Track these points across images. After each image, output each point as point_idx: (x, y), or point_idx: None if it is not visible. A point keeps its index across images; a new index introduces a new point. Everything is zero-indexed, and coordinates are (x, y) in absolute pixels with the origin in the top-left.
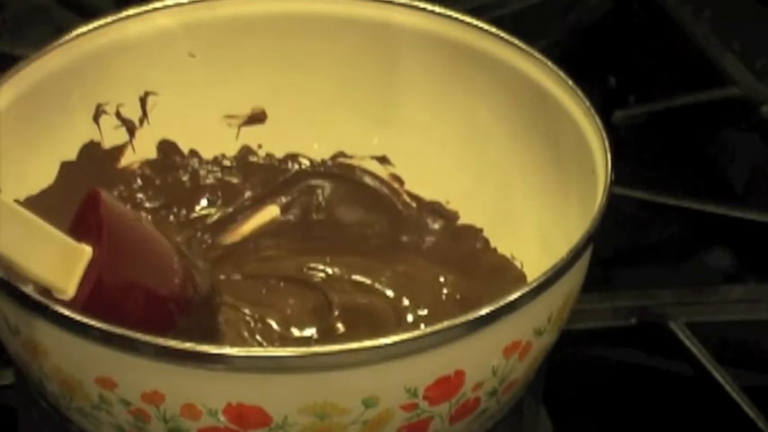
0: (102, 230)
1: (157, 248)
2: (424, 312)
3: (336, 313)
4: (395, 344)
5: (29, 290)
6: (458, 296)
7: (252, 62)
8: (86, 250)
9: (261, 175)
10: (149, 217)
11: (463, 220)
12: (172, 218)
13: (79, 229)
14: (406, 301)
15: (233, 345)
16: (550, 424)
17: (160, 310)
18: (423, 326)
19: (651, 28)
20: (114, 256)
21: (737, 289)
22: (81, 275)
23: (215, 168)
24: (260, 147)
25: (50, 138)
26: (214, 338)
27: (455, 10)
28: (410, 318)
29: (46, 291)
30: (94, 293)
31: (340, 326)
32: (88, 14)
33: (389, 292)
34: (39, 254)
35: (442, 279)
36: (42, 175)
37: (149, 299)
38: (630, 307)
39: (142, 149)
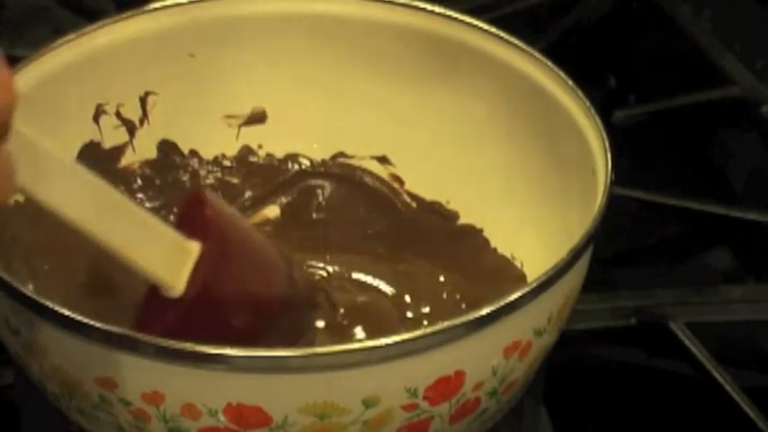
0: (210, 229)
1: (261, 247)
2: (426, 310)
3: (341, 311)
4: (395, 344)
5: (29, 290)
6: (458, 296)
7: (252, 62)
8: (195, 247)
9: (261, 175)
10: None
11: (463, 220)
12: (172, 218)
13: (184, 229)
14: (407, 299)
15: None
16: (550, 424)
17: (266, 307)
18: (425, 322)
19: (651, 28)
20: (222, 255)
21: (737, 289)
22: (190, 273)
23: (215, 168)
24: (260, 147)
25: (51, 138)
26: (309, 337)
27: (455, 10)
28: (410, 314)
29: (154, 288)
30: (204, 291)
31: (344, 322)
32: (88, 14)
33: (390, 291)
34: (149, 249)
35: (442, 279)
36: None
37: (256, 296)
38: (630, 307)
39: (142, 149)
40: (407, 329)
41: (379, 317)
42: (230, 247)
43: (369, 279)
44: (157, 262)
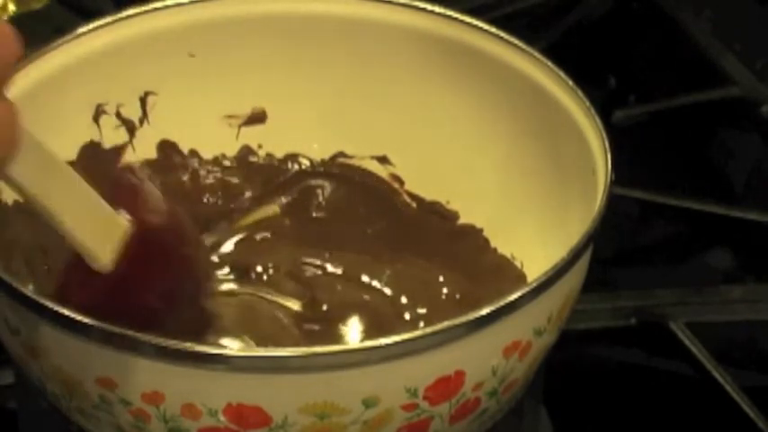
0: (140, 209)
1: (183, 228)
2: (422, 311)
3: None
4: (395, 344)
5: (29, 290)
6: (458, 296)
7: (252, 62)
8: (124, 223)
9: (261, 175)
10: None
11: (463, 220)
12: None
13: (114, 203)
14: (404, 299)
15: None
16: (550, 424)
17: (187, 287)
18: (422, 324)
19: (651, 28)
20: (149, 234)
21: (737, 289)
22: (117, 248)
23: (215, 168)
24: (260, 147)
25: (50, 138)
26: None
27: (455, 10)
28: (407, 316)
29: (78, 258)
30: (129, 266)
31: (338, 322)
32: (88, 14)
33: (388, 290)
34: (83, 218)
35: (441, 279)
36: None
37: (176, 278)
38: (630, 307)
39: (142, 149)
40: (405, 329)
41: (377, 316)
42: (157, 228)
43: (367, 279)
44: (89, 232)
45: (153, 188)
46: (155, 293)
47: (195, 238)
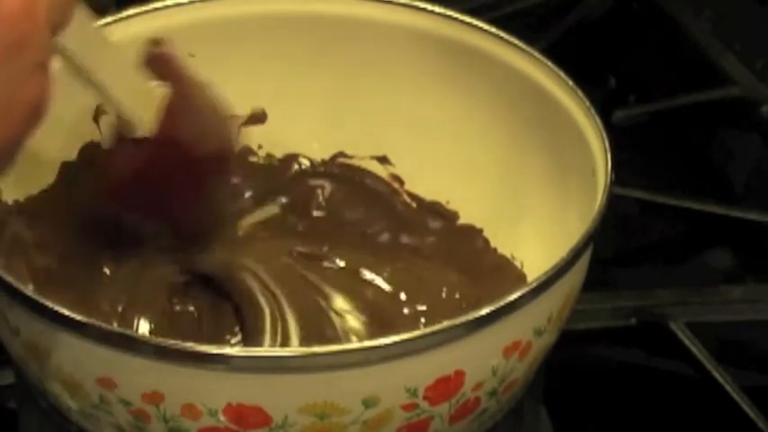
0: (176, 78)
1: (215, 102)
2: (422, 308)
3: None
4: (395, 344)
5: (29, 290)
6: (457, 296)
7: (252, 62)
8: (160, 92)
9: (261, 175)
10: None
11: (463, 220)
12: None
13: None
14: (403, 296)
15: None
16: (550, 424)
17: (217, 162)
18: (423, 320)
19: (651, 28)
20: (185, 102)
21: (737, 289)
22: (156, 114)
23: None
24: (260, 147)
25: (51, 138)
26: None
27: (455, 10)
28: (406, 310)
29: (119, 133)
30: (168, 132)
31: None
32: None
33: (388, 288)
34: (128, 88)
35: (441, 278)
36: (42, 175)
37: (211, 134)
38: (630, 307)
39: None
40: (405, 325)
41: (380, 313)
42: (192, 97)
43: (368, 277)
44: (133, 101)
45: (181, 60)
46: (192, 154)
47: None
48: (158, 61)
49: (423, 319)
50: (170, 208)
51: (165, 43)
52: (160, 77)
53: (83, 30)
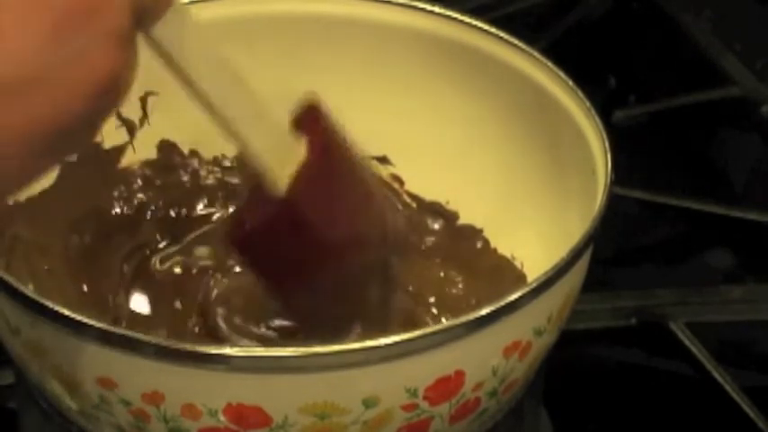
0: (321, 140)
1: (366, 176)
2: (432, 299)
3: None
4: (395, 344)
5: (29, 290)
6: (457, 296)
7: (252, 62)
8: (302, 150)
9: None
10: (149, 216)
11: (463, 220)
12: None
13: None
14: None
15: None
16: (550, 424)
17: (359, 237)
18: (434, 310)
19: (651, 28)
20: (328, 168)
21: (737, 289)
22: (294, 173)
23: (215, 168)
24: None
25: None
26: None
27: (455, 10)
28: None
29: (254, 182)
30: (304, 193)
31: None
32: None
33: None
34: (262, 133)
35: (442, 274)
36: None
37: (353, 222)
38: (630, 307)
39: (142, 149)
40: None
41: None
42: (337, 162)
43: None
44: (268, 149)
45: (334, 126)
46: (330, 226)
47: (376, 188)
48: (306, 119)
49: (434, 310)
50: (291, 282)
51: (318, 103)
52: (306, 133)
53: (216, 67)
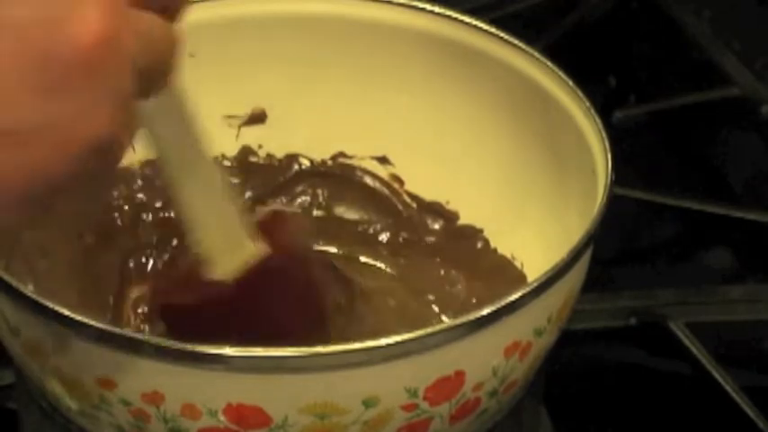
0: (277, 236)
1: (315, 290)
2: (431, 297)
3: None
4: (395, 344)
5: (29, 290)
6: (457, 296)
7: (252, 62)
8: (255, 250)
9: (261, 175)
10: (149, 216)
11: (463, 220)
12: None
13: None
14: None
15: None
16: (550, 424)
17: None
18: (435, 308)
19: (651, 28)
20: (276, 267)
21: (737, 289)
22: (238, 268)
23: None
24: (260, 147)
25: None
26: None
27: (455, 10)
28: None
29: (191, 266)
30: (245, 289)
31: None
32: None
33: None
34: (216, 224)
35: (442, 272)
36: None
37: (288, 328)
38: (630, 307)
39: (142, 149)
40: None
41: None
42: (290, 280)
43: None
44: (216, 238)
45: (301, 224)
46: (261, 325)
47: (324, 291)
48: (271, 220)
49: (436, 308)
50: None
51: (289, 215)
52: (265, 236)
53: (184, 135)
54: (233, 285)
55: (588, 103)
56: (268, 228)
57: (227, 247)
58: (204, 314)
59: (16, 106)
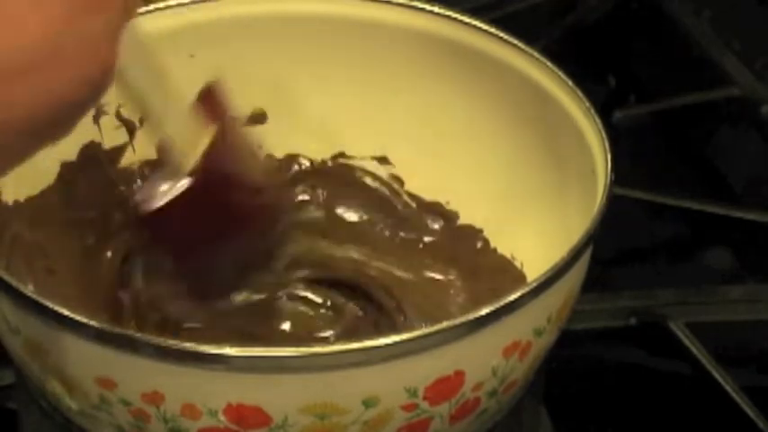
0: (224, 124)
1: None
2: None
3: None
4: (395, 344)
5: (29, 290)
6: (458, 296)
7: (252, 62)
8: (209, 132)
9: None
10: None
11: (463, 220)
12: None
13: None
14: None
15: None
16: (550, 424)
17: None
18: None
19: (651, 28)
20: (228, 147)
21: (737, 289)
22: (200, 153)
23: None
24: (260, 147)
25: None
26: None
27: (455, 10)
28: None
29: (164, 161)
30: (209, 173)
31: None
32: None
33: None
34: (179, 123)
35: (441, 277)
36: (42, 175)
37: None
38: (630, 307)
39: (142, 149)
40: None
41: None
42: (233, 135)
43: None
44: (181, 135)
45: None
46: (230, 198)
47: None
48: (210, 100)
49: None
50: (199, 248)
51: (218, 83)
52: (208, 116)
53: (140, 49)
54: (196, 175)
55: (588, 103)
56: (204, 104)
57: (191, 137)
58: (178, 212)
59: (35, 36)
